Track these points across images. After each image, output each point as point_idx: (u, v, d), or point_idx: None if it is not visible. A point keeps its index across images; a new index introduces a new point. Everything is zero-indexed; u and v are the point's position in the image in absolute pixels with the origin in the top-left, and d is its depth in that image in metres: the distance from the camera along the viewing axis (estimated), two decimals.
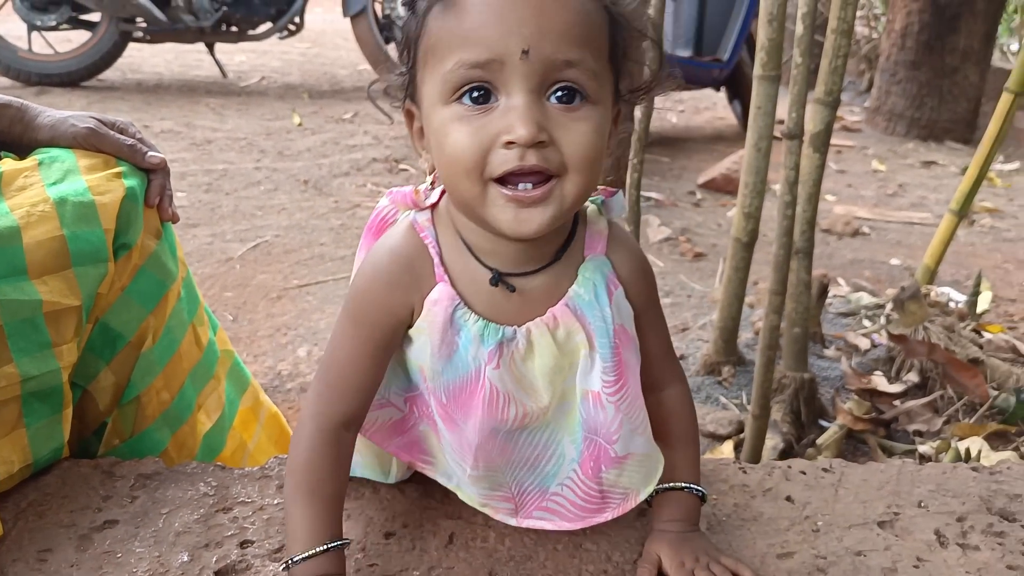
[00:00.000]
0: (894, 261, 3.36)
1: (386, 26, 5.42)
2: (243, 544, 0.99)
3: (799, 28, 1.73)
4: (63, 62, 5.54)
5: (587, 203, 0.94)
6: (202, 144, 4.55)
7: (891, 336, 2.31)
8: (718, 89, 5.35)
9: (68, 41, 5.86)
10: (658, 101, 5.13)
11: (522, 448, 0.96)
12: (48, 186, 1.11)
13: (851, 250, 3.48)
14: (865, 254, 3.43)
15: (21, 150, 1.21)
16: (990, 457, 1.81)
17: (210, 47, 5.98)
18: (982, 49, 5.39)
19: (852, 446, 1.99)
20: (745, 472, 1.16)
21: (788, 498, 1.10)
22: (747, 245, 2.04)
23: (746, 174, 1.96)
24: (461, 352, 0.89)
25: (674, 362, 1.02)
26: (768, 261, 1.89)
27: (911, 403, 2.10)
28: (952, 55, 5.35)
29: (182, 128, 4.82)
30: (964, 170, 2.76)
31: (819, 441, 1.95)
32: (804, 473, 1.15)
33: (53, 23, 5.50)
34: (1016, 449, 1.91)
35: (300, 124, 5.09)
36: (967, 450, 1.82)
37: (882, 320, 2.54)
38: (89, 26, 5.62)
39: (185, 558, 0.96)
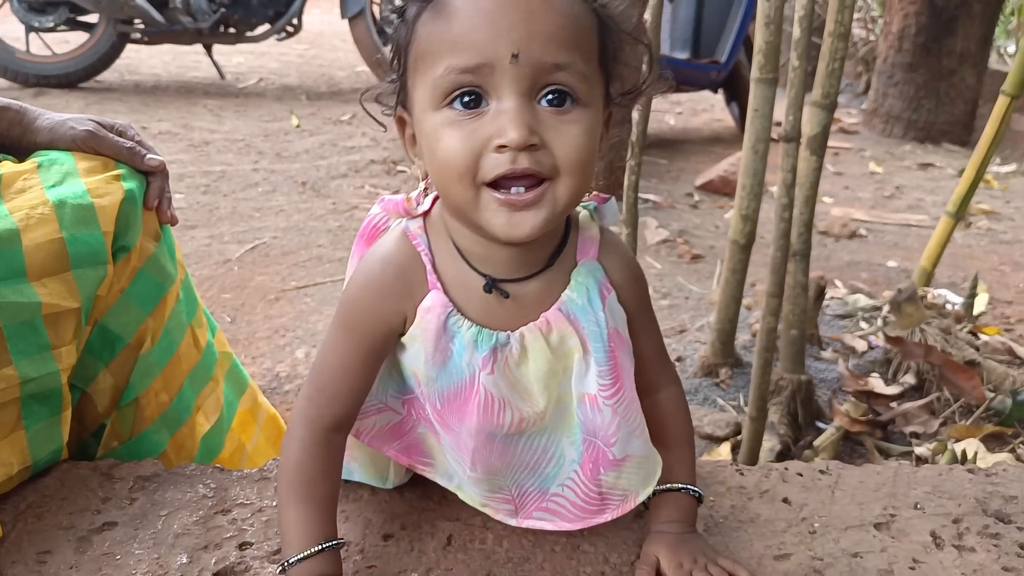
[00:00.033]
0: (891, 263, 3.37)
1: (384, 28, 5.43)
2: (242, 546, 1.00)
3: (796, 31, 1.74)
4: (61, 63, 5.53)
5: (579, 209, 0.95)
6: (200, 145, 4.55)
7: (888, 338, 2.31)
8: (716, 91, 5.36)
9: (66, 42, 5.87)
10: (656, 103, 5.15)
11: (522, 452, 0.96)
12: (47, 189, 1.11)
13: (848, 252, 3.49)
14: (862, 256, 3.44)
15: (20, 152, 1.22)
16: (986, 459, 1.81)
17: (208, 48, 5.99)
18: (979, 51, 5.40)
19: (849, 448, 1.99)
20: (742, 474, 1.16)
21: (785, 500, 1.10)
22: (744, 247, 2.05)
23: (743, 176, 1.96)
24: (455, 358, 0.90)
25: (667, 364, 1.03)
26: (765, 263, 1.89)
27: (908, 405, 2.10)
28: (949, 57, 5.36)
29: (180, 129, 4.82)
30: (961, 172, 2.77)
31: (816, 443, 1.96)
32: (801, 475, 1.16)
33: (51, 24, 5.50)
34: (1012, 451, 1.91)
35: (298, 126, 5.09)
36: (963, 452, 1.83)
37: (879, 322, 2.55)
38: (87, 27, 5.62)
39: (184, 560, 0.97)
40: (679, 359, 2.37)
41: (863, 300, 2.76)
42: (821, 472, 1.16)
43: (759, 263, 2.47)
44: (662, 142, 5.31)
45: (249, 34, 5.80)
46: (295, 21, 5.80)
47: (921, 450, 1.92)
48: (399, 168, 4.31)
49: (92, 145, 1.20)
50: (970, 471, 1.19)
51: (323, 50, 8.20)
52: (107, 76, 5.93)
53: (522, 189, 0.78)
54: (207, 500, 1.07)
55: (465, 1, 0.78)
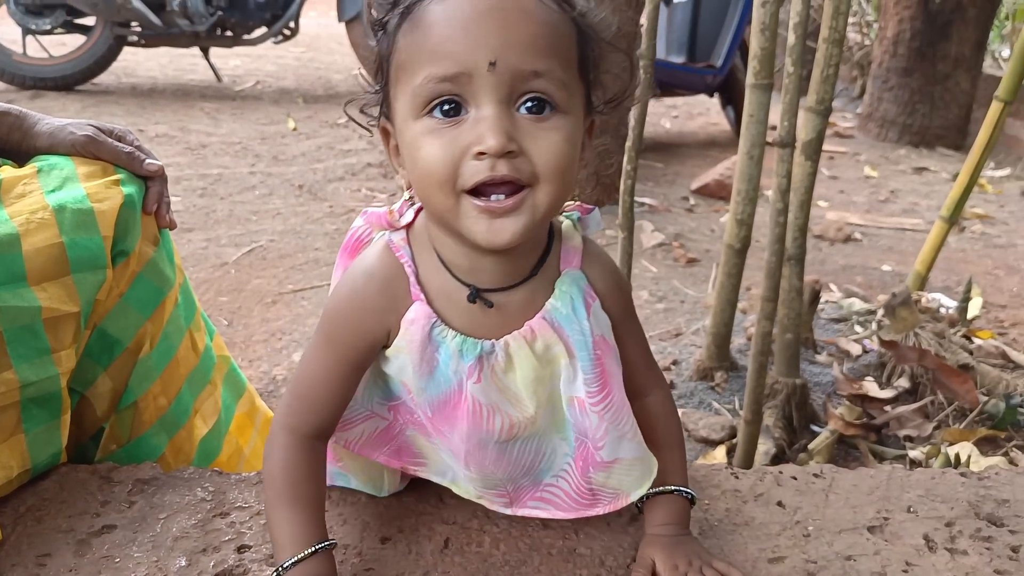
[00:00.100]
0: (886, 267, 3.38)
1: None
2: (240, 549, 1.00)
3: (791, 37, 1.75)
4: (58, 66, 5.54)
5: (562, 219, 0.95)
6: (197, 148, 4.56)
7: (882, 342, 2.33)
8: (711, 95, 5.38)
9: (63, 45, 5.88)
10: (652, 107, 5.15)
11: (517, 458, 0.98)
12: (47, 193, 1.12)
13: (843, 256, 3.50)
14: (857, 260, 3.46)
15: (20, 157, 1.22)
16: (979, 462, 1.83)
17: (205, 51, 5.99)
18: (973, 56, 5.43)
19: (843, 451, 2.00)
20: (737, 477, 1.17)
21: (779, 503, 1.11)
22: (740, 251, 2.06)
23: (739, 181, 1.97)
24: (442, 367, 0.90)
25: (654, 369, 1.04)
26: (761, 267, 1.90)
27: (902, 408, 2.11)
28: (944, 62, 5.39)
29: (176, 132, 4.82)
30: (955, 176, 2.78)
31: (811, 446, 1.97)
32: (795, 478, 1.17)
33: (48, 27, 5.51)
34: (1005, 454, 1.93)
35: (295, 129, 5.10)
36: (957, 455, 1.84)
37: (873, 326, 2.56)
38: (84, 30, 5.63)
39: (183, 563, 0.97)
40: (675, 362, 2.38)
41: (858, 304, 2.77)
42: (815, 476, 1.17)
43: (754, 267, 2.49)
44: (658, 146, 5.32)
45: (246, 37, 5.81)
46: (292, 24, 5.82)
47: (915, 453, 1.93)
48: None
49: (91, 150, 1.21)
50: (963, 475, 1.20)
51: (320, 53, 8.21)
52: (104, 79, 5.94)
53: (502, 196, 0.78)
54: (205, 503, 1.08)
55: (443, 12, 0.78)
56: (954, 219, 2.56)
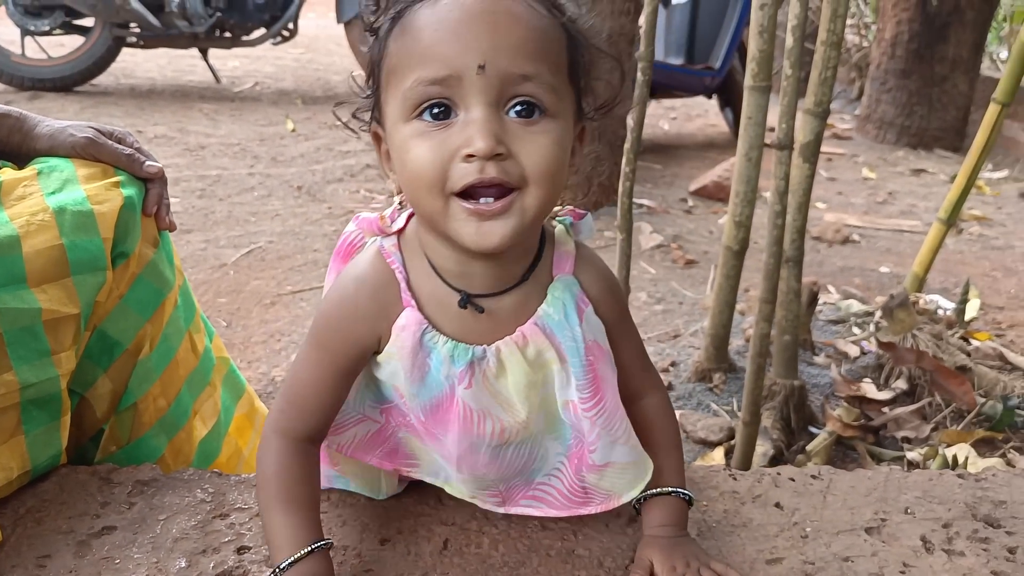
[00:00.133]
0: (884, 269, 3.39)
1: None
2: (240, 550, 1.00)
3: (789, 40, 1.75)
4: (56, 67, 5.54)
5: (555, 224, 0.96)
6: (195, 150, 4.56)
7: (880, 343, 2.33)
8: (710, 96, 5.38)
9: (61, 46, 5.88)
10: (650, 108, 5.15)
11: (511, 461, 0.99)
12: (47, 195, 1.12)
13: (841, 257, 3.51)
14: (855, 261, 3.46)
15: (20, 159, 1.22)
16: (977, 464, 1.83)
17: (204, 52, 6.00)
18: (971, 58, 5.44)
19: (841, 452, 2.00)
20: (735, 479, 1.17)
21: (777, 504, 1.11)
22: (738, 253, 2.06)
23: (737, 183, 1.98)
24: (433, 372, 0.91)
25: (651, 372, 1.04)
26: (759, 268, 1.91)
27: (900, 410, 2.12)
28: (941, 64, 5.40)
29: (175, 133, 4.82)
30: (953, 178, 2.79)
31: (809, 448, 1.97)
32: (793, 480, 1.17)
33: (47, 28, 5.51)
34: (1003, 456, 1.93)
35: (294, 130, 5.10)
36: (954, 457, 1.84)
37: (871, 327, 2.56)
38: (83, 31, 5.63)
39: (183, 564, 0.98)
40: (673, 364, 2.38)
41: (856, 305, 2.78)
42: (813, 477, 1.18)
43: (753, 268, 2.49)
44: (656, 147, 5.33)
45: (245, 38, 5.82)
46: (291, 25, 5.82)
47: (913, 455, 1.94)
48: None
49: (91, 152, 1.21)
50: (960, 476, 1.20)
51: (319, 54, 8.22)
52: (103, 80, 5.94)
53: (491, 199, 0.79)
54: (205, 505, 1.08)
55: (433, 16, 0.79)
56: (952, 221, 2.57)
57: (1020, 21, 6.43)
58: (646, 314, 2.78)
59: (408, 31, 0.80)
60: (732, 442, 1.96)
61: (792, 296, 2.00)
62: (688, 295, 2.98)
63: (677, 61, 5.10)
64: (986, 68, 6.03)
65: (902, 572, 1.00)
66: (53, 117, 1.28)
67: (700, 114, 6.46)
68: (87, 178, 1.18)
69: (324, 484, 1.09)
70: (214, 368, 1.38)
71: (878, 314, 2.58)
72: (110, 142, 1.23)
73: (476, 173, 0.77)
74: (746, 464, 1.83)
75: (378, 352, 0.93)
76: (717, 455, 1.96)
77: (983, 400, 2.10)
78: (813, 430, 2.07)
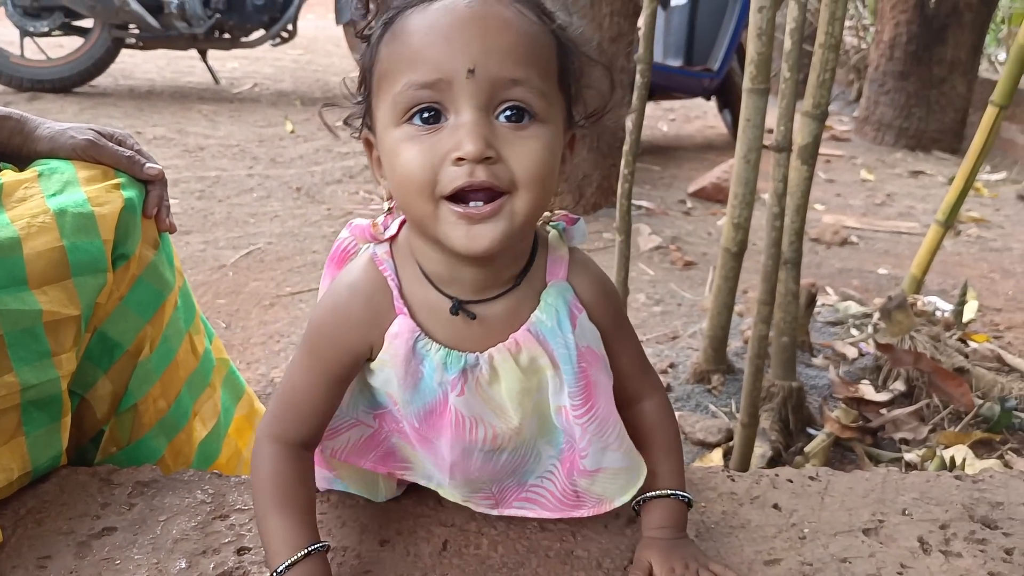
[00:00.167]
0: (882, 270, 3.39)
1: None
2: (240, 551, 1.01)
3: (787, 43, 1.76)
4: (55, 68, 5.54)
5: (548, 229, 0.96)
6: (194, 151, 4.56)
7: (878, 345, 2.34)
8: (708, 98, 5.39)
9: (60, 47, 5.88)
10: (649, 110, 5.15)
11: (504, 465, 0.99)
12: (48, 197, 1.13)
13: (839, 259, 3.51)
14: (853, 263, 3.47)
15: (20, 161, 1.23)
16: (975, 465, 1.84)
17: (203, 54, 6.01)
18: (969, 60, 5.45)
19: (839, 454, 2.01)
20: (733, 480, 1.18)
21: (775, 506, 1.12)
22: (736, 255, 2.07)
23: (735, 185, 1.98)
24: (426, 379, 0.91)
25: (650, 374, 1.04)
26: (757, 270, 1.91)
27: (897, 412, 2.13)
28: (940, 66, 5.41)
29: (174, 135, 4.83)
30: (951, 180, 2.80)
31: (807, 449, 1.98)
32: (791, 481, 1.17)
33: (46, 29, 5.52)
34: (1000, 457, 1.94)
35: (292, 131, 5.10)
36: (952, 458, 1.85)
37: (869, 329, 2.57)
38: (82, 32, 5.64)
39: (183, 565, 0.98)
40: (671, 365, 2.39)
41: (854, 307, 2.78)
42: (811, 478, 1.18)
43: (751, 270, 2.50)
44: (655, 149, 5.34)
45: (244, 40, 5.82)
46: (290, 27, 5.83)
47: (910, 456, 1.94)
48: None
49: (92, 154, 1.21)
50: (957, 477, 1.20)
51: (318, 55, 8.22)
52: (102, 81, 5.95)
53: (480, 203, 0.79)
54: (205, 506, 1.08)
55: (423, 21, 0.80)
56: (950, 223, 2.57)
57: (1018, 23, 6.44)
58: (645, 315, 2.79)
59: (399, 36, 0.81)
60: (730, 443, 1.96)
61: (790, 298, 2.01)
62: (687, 296, 2.99)
63: (676, 63, 5.11)
64: (984, 70, 6.04)
65: (899, 573, 1.00)
66: (52, 118, 1.28)
67: (699, 116, 6.47)
68: (88, 180, 1.18)
69: (323, 486, 1.10)
70: (214, 369, 1.38)
71: (876, 316, 2.58)
72: (111, 144, 1.23)
73: (466, 176, 0.77)
74: (744, 465, 1.84)
75: (371, 359, 0.93)
76: (715, 456, 1.96)
77: (981, 402, 2.11)
78: (811, 431, 2.07)
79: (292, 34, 5.91)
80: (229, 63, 7.18)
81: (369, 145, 0.90)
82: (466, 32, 0.78)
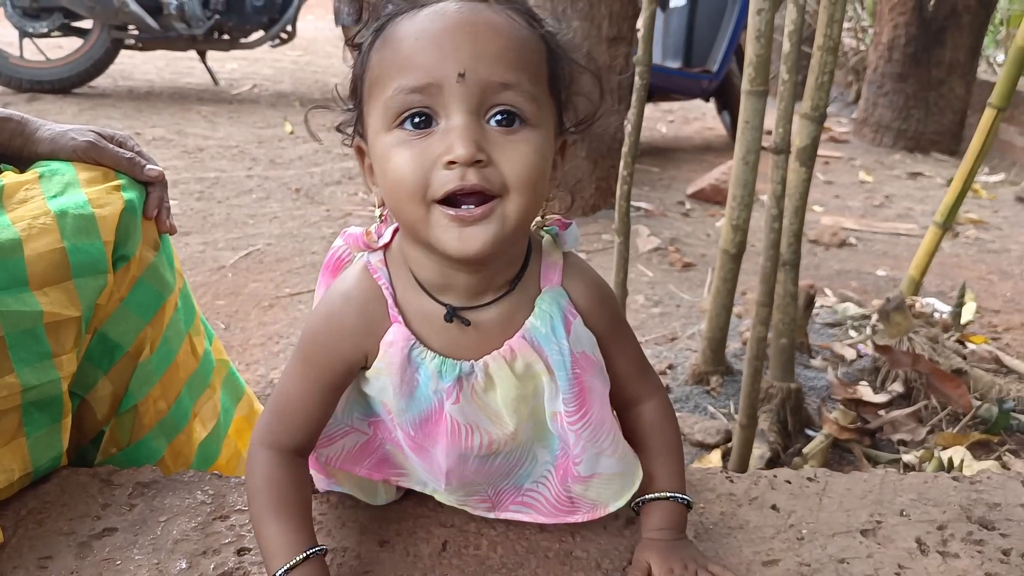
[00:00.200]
0: (880, 272, 3.40)
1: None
2: (240, 552, 1.01)
3: (786, 45, 1.76)
4: (54, 69, 5.54)
5: (542, 234, 0.96)
6: (194, 152, 4.57)
7: (876, 347, 2.34)
8: (707, 100, 5.40)
9: (59, 48, 5.88)
10: (648, 111, 5.16)
11: (499, 467, 0.99)
12: (49, 199, 1.13)
13: (838, 261, 3.52)
14: (852, 265, 3.47)
15: (21, 163, 1.23)
16: (972, 466, 1.84)
17: (202, 55, 6.01)
18: (968, 62, 5.46)
19: (838, 455, 2.01)
20: (732, 481, 1.18)
21: (774, 507, 1.12)
22: (735, 256, 2.07)
23: (734, 187, 1.99)
24: (422, 387, 0.91)
25: (650, 376, 1.03)
26: (756, 272, 1.92)
27: (896, 413, 2.13)
28: (938, 68, 5.42)
29: (173, 136, 4.83)
30: (950, 181, 2.80)
31: (805, 450, 1.98)
32: (789, 482, 1.18)
33: (45, 30, 5.52)
34: (998, 459, 1.94)
35: (292, 132, 5.11)
36: (950, 459, 1.85)
37: (868, 331, 2.57)
38: (81, 33, 5.64)
39: (183, 565, 0.98)
40: (670, 366, 2.39)
41: (852, 309, 2.79)
42: (809, 479, 1.19)
43: (750, 272, 2.50)
44: (654, 150, 5.34)
45: (243, 40, 5.82)
46: (289, 28, 5.83)
47: (908, 457, 1.95)
48: None
49: (93, 156, 1.22)
50: (955, 478, 1.21)
51: (317, 57, 8.22)
52: (101, 82, 5.95)
53: (472, 206, 0.79)
54: (206, 506, 1.09)
55: (413, 27, 0.80)
56: (948, 224, 2.58)
57: (1016, 25, 6.44)
58: (643, 317, 2.79)
59: (389, 42, 0.81)
60: (729, 444, 1.97)
61: (789, 299, 2.01)
62: (685, 298, 2.99)
63: (675, 64, 5.11)
64: (982, 72, 6.05)
65: (897, 574, 1.00)
66: (51, 119, 1.29)
67: (698, 117, 6.47)
68: (88, 182, 1.19)
69: (323, 487, 1.10)
70: (214, 370, 1.39)
71: (874, 317, 2.59)
72: (111, 146, 1.24)
73: (457, 180, 0.77)
74: (743, 466, 1.84)
75: (366, 367, 0.93)
76: (714, 457, 1.97)
77: (979, 403, 2.12)
78: (810, 433, 2.08)
79: (291, 35, 5.91)
80: (228, 64, 7.18)
81: (361, 153, 0.90)
82: (456, 37, 0.78)
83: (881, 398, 2.19)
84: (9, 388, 1.04)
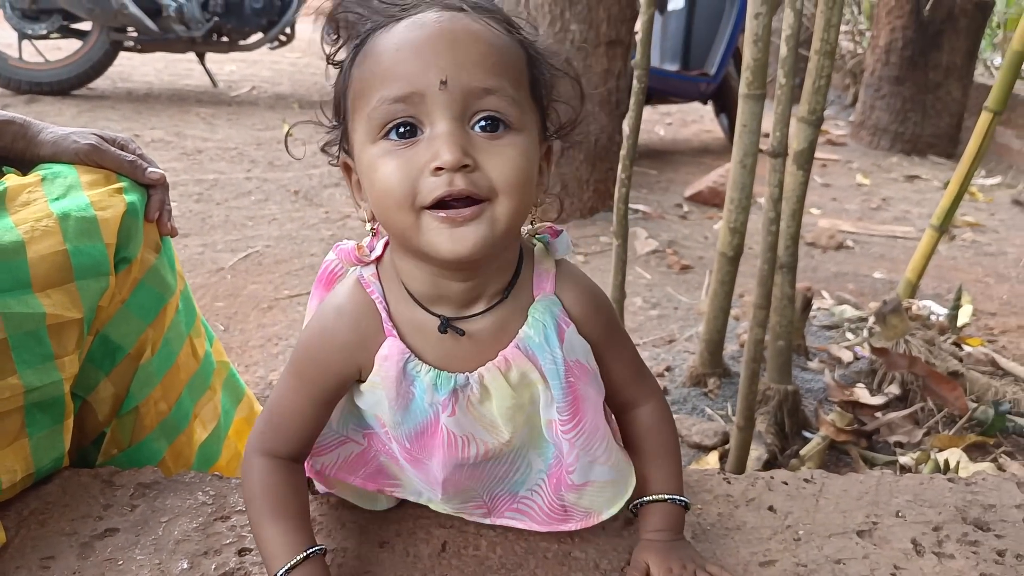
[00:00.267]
0: (877, 274, 3.41)
1: None
2: (241, 552, 1.02)
3: (783, 49, 1.77)
4: (54, 71, 5.54)
5: (533, 242, 0.96)
6: (192, 154, 4.57)
7: (873, 349, 2.35)
8: (705, 102, 5.41)
9: (59, 50, 5.87)
10: (646, 114, 5.17)
11: (492, 470, 1.00)
12: (51, 201, 1.14)
13: (835, 263, 3.53)
14: (849, 267, 3.48)
15: (24, 166, 1.24)
16: (968, 468, 1.85)
17: (201, 57, 6.01)
18: (964, 65, 5.47)
19: (835, 457, 2.02)
20: (729, 482, 1.19)
21: (771, 508, 1.13)
22: (732, 259, 2.08)
23: (731, 190, 2.00)
24: (417, 400, 0.92)
25: (647, 380, 1.03)
26: (753, 274, 1.92)
27: (892, 415, 2.14)
28: (935, 71, 5.43)
29: (172, 138, 4.83)
30: (946, 184, 2.81)
31: (802, 452, 1.99)
32: (786, 484, 1.19)
33: (44, 32, 5.52)
34: (994, 460, 1.95)
35: (290, 134, 5.10)
36: (946, 461, 1.86)
37: (865, 333, 2.58)
38: (80, 35, 5.64)
39: (185, 565, 0.99)
40: (668, 369, 2.40)
41: (849, 311, 2.80)
42: (806, 481, 1.19)
43: (747, 274, 2.50)
44: (652, 153, 5.35)
45: (242, 43, 5.83)
46: (288, 30, 5.83)
47: (905, 459, 1.95)
48: None
49: (95, 158, 1.22)
50: (950, 480, 1.22)
51: (316, 59, 8.20)
52: (100, 84, 5.95)
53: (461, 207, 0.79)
54: (207, 507, 1.09)
55: (393, 39, 0.81)
56: (945, 227, 2.59)
57: (1013, 28, 6.46)
58: (641, 319, 2.80)
59: (370, 56, 0.82)
60: (726, 446, 1.98)
61: (786, 302, 2.02)
62: (683, 300, 3.00)
63: (673, 67, 5.12)
64: (979, 75, 6.07)
65: (893, 574, 1.01)
66: (50, 121, 1.29)
67: (695, 120, 6.48)
68: (90, 184, 1.19)
69: (323, 489, 1.11)
70: (214, 372, 1.39)
71: (871, 320, 2.60)
72: (113, 149, 1.24)
73: (445, 186, 0.78)
74: (740, 468, 1.85)
75: (361, 381, 0.93)
76: (711, 459, 1.98)
77: (975, 405, 2.12)
78: (806, 435, 2.08)
79: (290, 37, 5.91)
80: (227, 66, 7.18)
81: (348, 169, 0.90)
82: (436, 45, 0.79)
83: (878, 400, 2.20)
84: (12, 389, 1.04)
